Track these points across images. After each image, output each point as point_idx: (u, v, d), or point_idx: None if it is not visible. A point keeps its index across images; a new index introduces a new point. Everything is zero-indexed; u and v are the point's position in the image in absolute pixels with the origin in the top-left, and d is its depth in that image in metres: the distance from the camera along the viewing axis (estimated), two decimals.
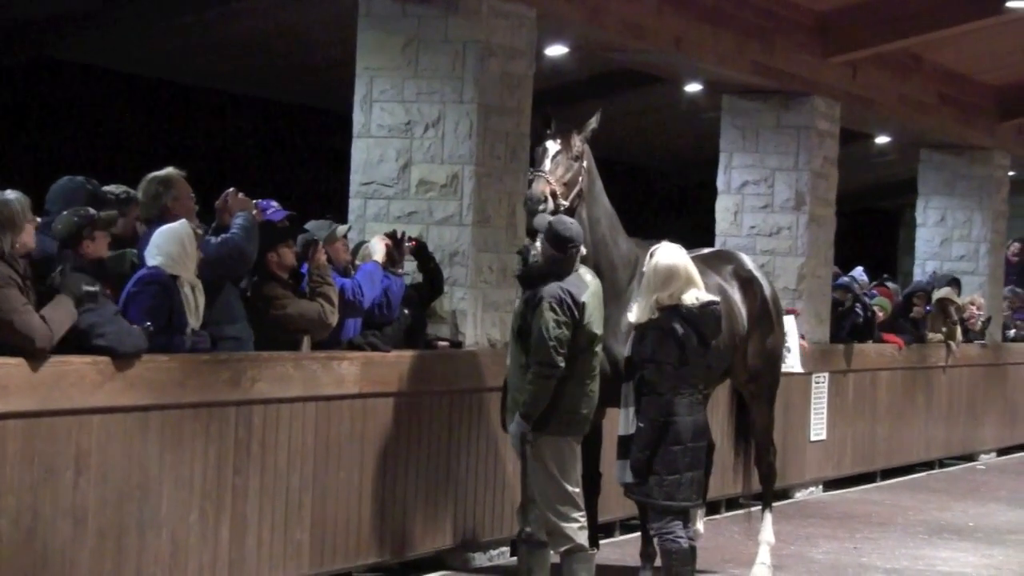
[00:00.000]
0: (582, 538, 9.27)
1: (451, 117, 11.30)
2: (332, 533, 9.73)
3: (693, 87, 16.23)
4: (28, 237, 7.97)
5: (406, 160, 11.40)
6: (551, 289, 9.16)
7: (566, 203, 9.61)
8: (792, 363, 14.66)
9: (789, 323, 14.69)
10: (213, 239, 9.29)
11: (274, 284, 9.67)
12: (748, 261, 11.55)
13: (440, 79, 11.32)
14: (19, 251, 7.89)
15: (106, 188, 9.32)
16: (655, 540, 9.25)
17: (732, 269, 11.17)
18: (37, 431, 7.82)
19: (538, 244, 9.45)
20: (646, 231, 10.24)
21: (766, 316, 11.30)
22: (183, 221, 9.03)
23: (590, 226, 9.80)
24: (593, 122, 9.94)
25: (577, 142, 9.78)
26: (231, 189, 9.69)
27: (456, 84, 11.29)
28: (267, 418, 9.24)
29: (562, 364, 9.06)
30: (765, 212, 15.91)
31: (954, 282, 19.38)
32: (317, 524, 9.61)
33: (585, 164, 9.83)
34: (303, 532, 9.51)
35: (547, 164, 9.65)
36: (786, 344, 14.53)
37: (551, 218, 9.38)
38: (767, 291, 11.39)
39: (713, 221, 16.13)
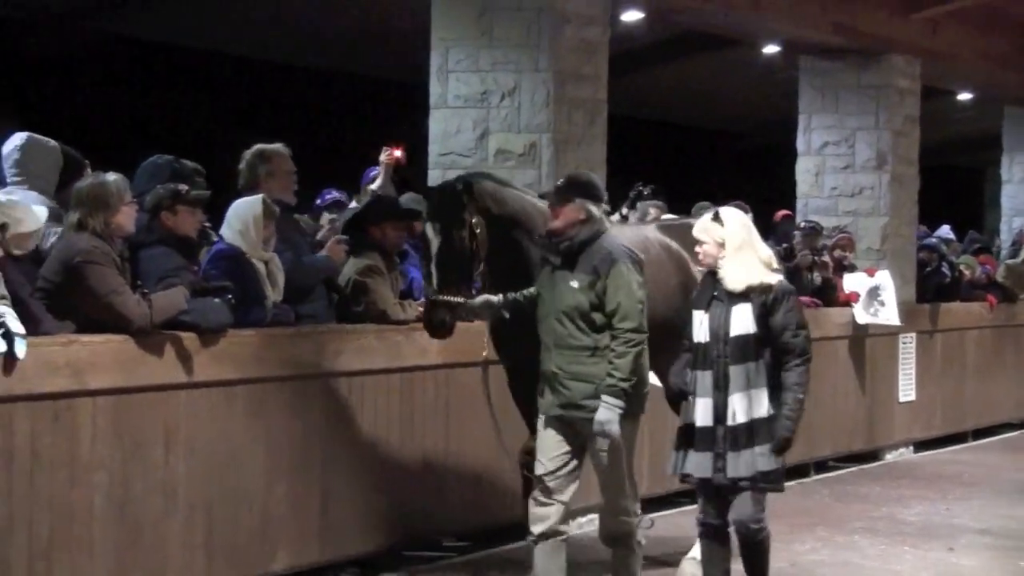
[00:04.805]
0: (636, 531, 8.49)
1: (527, 86, 11.30)
2: (419, 503, 9.76)
3: (770, 48, 16.10)
4: (124, 219, 8.03)
5: (483, 130, 11.43)
6: (618, 248, 8.12)
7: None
8: (889, 316, 14.58)
9: (884, 276, 14.62)
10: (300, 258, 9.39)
11: (375, 254, 9.73)
12: None
13: (515, 48, 11.33)
14: (116, 232, 7.98)
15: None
16: (741, 530, 8.08)
17: None
18: (126, 407, 7.90)
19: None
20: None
21: None
22: (257, 197, 9.07)
23: None
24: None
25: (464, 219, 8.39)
26: (344, 237, 9.71)
27: (531, 52, 11.28)
28: (351, 390, 9.28)
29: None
30: (846, 173, 15.80)
31: None
32: (404, 494, 9.64)
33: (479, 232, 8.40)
34: (390, 502, 9.54)
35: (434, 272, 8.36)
36: (880, 297, 14.44)
37: (571, 174, 8.64)
38: None
39: (790, 183, 16.04)
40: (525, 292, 8.38)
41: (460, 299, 8.28)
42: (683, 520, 10.15)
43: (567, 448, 8.17)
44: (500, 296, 8.38)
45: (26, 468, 7.41)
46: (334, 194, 10.91)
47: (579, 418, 8.07)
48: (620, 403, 7.96)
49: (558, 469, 8.15)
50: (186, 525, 8.22)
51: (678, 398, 8.20)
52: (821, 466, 14.19)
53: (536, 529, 8.20)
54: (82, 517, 7.68)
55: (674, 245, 9.71)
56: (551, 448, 8.17)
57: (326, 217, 10.76)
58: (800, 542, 10.85)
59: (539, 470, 8.19)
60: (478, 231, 8.35)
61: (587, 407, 8.01)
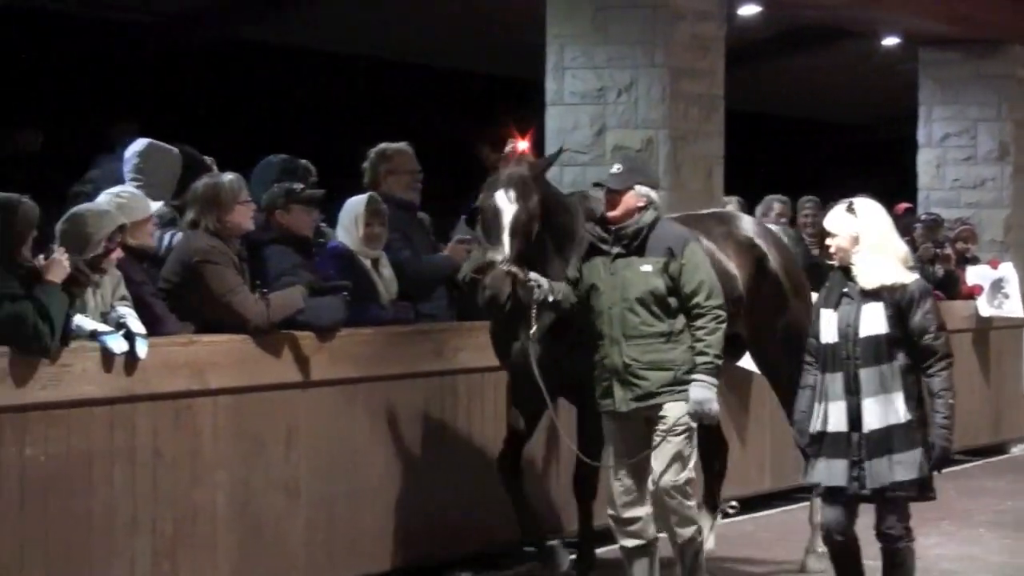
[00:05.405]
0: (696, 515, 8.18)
1: (643, 82, 11.30)
2: (542, 501, 9.74)
3: (889, 40, 15.95)
4: (241, 217, 8.10)
5: (600, 126, 11.43)
6: (683, 232, 7.97)
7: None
8: (1013, 308, 14.42)
9: (1007, 268, 14.46)
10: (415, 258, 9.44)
11: None
12: (749, 225, 9.57)
13: (631, 44, 11.32)
14: (232, 231, 8.06)
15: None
16: (884, 542, 7.70)
17: (726, 231, 9.26)
18: (246, 406, 7.99)
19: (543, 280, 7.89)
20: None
21: (773, 288, 9.27)
22: (367, 195, 9.16)
23: None
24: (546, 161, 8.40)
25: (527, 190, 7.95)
26: (467, 237, 9.65)
27: (647, 48, 11.28)
28: (471, 387, 9.31)
29: None
30: (968, 164, 15.65)
31: None
32: (528, 492, 9.62)
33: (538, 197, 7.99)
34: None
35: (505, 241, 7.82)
36: (1004, 289, 14.26)
37: (628, 156, 8.50)
38: (773, 262, 9.30)
39: (911, 176, 15.89)
40: (565, 285, 8.02)
41: (522, 274, 7.78)
42: (803, 515, 10.04)
43: (638, 452, 7.89)
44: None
45: (148, 467, 7.52)
46: None
47: (654, 406, 7.78)
48: (716, 381, 7.72)
49: (635, 478, 7.92)
50: (308, 523, 8.29)
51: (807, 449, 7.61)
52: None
53: (629, 544, 7.97)
54: (205, 515, 7.78)
55: (703, 238, 8.99)
56: (624, 457, 7.93)
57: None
58: (924, 536, 10.64)
59: (616, 487, 7.93)
60: (541, 205, 7.98)
61: (665, 395, 7.76)
